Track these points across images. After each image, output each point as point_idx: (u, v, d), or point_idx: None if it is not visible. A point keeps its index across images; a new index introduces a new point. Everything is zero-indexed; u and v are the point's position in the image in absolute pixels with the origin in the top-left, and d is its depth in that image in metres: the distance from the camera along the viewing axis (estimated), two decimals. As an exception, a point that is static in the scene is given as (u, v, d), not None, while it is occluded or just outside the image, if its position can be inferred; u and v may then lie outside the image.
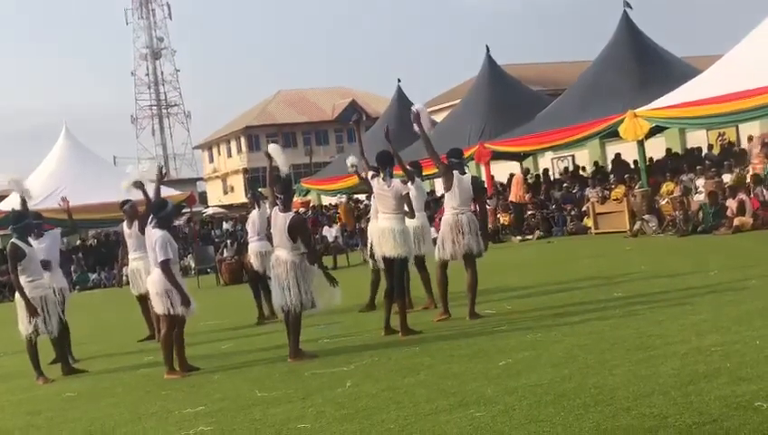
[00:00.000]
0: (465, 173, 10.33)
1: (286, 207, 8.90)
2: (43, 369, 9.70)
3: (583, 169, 29.05)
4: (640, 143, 21.21)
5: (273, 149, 9.81)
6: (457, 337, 8.97)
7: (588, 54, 29.90)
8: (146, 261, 11.42)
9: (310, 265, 8.79)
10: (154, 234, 8.86)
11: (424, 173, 12.63)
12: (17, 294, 9.66)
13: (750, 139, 22.82)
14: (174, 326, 8.87)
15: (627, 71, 22.88)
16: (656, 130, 22.66)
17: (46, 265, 10.55)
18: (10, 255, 9.65)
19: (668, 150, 26.18)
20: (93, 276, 29.48)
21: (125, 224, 12.38)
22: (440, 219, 10.69)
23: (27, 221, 9.96)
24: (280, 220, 8.77)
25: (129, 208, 12.28)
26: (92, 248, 33.05)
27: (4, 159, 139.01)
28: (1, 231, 31.94)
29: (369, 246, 11.22)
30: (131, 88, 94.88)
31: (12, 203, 29.59)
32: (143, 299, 12.06)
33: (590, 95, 23.28)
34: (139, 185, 11.34)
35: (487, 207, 17.52)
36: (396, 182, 9.73)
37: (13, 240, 9.72)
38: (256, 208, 12.95)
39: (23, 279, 9.56)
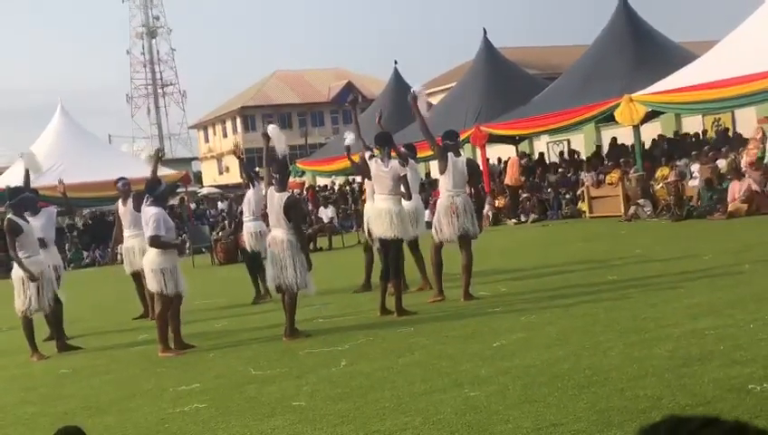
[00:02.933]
0: (459, 155, 10.33)
1: (282, 186, 8.91)
2: (37, 345, 9.71)
3: (577, 154, 29.04)
4: (636, 128, 21.20)
5: (272, 129, 9.81)
6: (452, 318, 9.00)
7: (585, 39, 29.89)
8: (140, 239, 11.42)
9: (304, 249, 8.82)
10: (149, 211, 8.88)
11: (418, 155, 12.58)
12: (13, 271, 9.67)
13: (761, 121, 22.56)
14: (169, 305, 8.88)
15: (623, 55, 22.82)
16: (651, 115, 22.64)
17: (42, 242, 10.54)
18: (7, 230, 9.64)
19: (661, 136, 26.15)
20: (88, 254, 29.42)
21: (120, 202, 12.37)
22: (435, 202, 10.70)
23: (22, 196, 9.94)
24: (276, 200, 8.78)
25: (124, 186, 12.27)
26: (87, 227, 32.98)
27: (2, 136, 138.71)
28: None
29: (366, 226, 11.23)
30: (127, 67, 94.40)
31: (7, 180, 29.59)
32: (137, 277, 12.06)
33: (586, 79, 23.23)
34: (151, 158, 11.40)
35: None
36: (394, 163, 9.72)
37: (9, 216, 9.72)
38: (251, 188, 12.92)
39: (19, 255, 9.56)
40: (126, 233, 12.18)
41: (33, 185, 11.33)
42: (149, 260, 8.92)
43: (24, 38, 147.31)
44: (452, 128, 11.58)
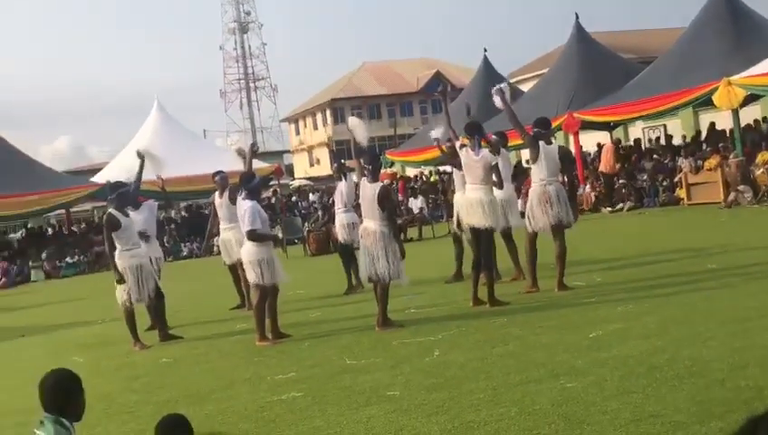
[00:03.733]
0: (551, 143, 10.21)
1: (374, 177, 8.96)
2: (139, 335, 10.01)
3: (670, 138, 28.34)
4: (735, 112, 20.57)
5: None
6: (546, 308, 8.91)
7: (681, 21, 29.10)
8: (236, 231, 11.65)
9: (396, 239, 8.86)
10: (244, 204, 9.06)
11: (509, 144, 12.46)
12: (117, 263, 9.97)
13: None
14: (266, 295, 9.04)
15: (721, 37, 22.14)
16: (751, 99, 21.92)
17: (144, 235, 10.88)
18: (105, 224, 9.98)
19: (756, 121, 25.28)
20: (185, 246, 30.16)
21: (216, 194, 12.62)
22: (527, 191, 10.59)
23: (122, 191, 10.23)
24: (368, 191, 8.84)
25: (221, 179, 12.50)
26: (184, 219, 33.82)
27: (98, 131, 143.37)
28: (98, 202, 32.99)
29: (455, 217, 11.19)
30: (220, 62, 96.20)
31: (106, 175, 30.54)
32: (234, 268, 12.30)
33: (682, 63, 22.65)
34: (242, 153, 11.60)
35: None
36: (484, 152, 9.67)
37: (110, 210, 10.04)
38: (343, 180, 13.03)
39: (119, 248, 9.87)
40: (222, 225, 12.43)
41: (130, 180, 11.65)
42: (247, 252, 9.10)
43: (123, 36, 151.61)
44: (544, 115, 11.45)
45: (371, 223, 8.84)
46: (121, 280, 9.80)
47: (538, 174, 10.08)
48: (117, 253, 9.88)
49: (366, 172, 9.00)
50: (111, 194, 10.22)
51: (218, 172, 12.68)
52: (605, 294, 9.37)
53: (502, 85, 10.49)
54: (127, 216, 10.10)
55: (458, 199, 10.86)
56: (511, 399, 5.48)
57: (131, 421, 6.46)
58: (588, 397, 5.27)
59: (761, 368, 5.35)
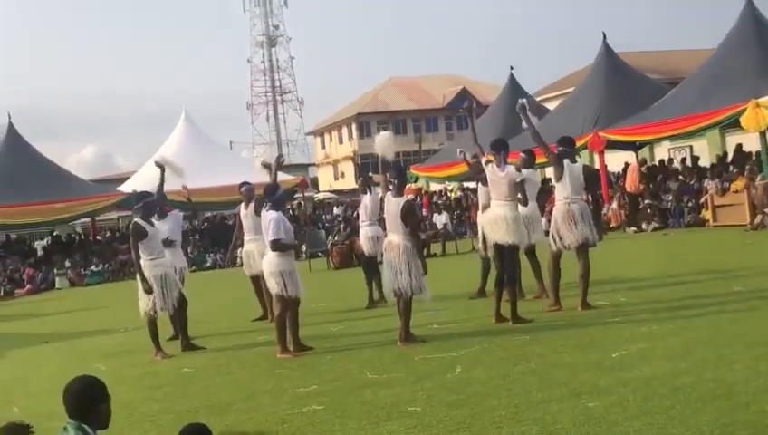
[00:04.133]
0: (575, 162, 10.20)
1: (399, 191, 8.99)
2: (161, 345, 10.06)
3: (697, 159, 28.17)
4: (762, 134, 20.42)
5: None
6: (569, 327, 8.87)
7: (709, 43, 28.95)
8: (260, 243, 11.69)
9: (419, 254, 8.86)
10: (268, 215, 9.10)
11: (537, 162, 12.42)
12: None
13: None
14: (288, 307, 9.07)
15: (749, 59, 22.02)
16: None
17: (170, 244, 10.96)
18: (131, 233, 10.06)
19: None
20: (210, 257, 30.30)
21: (242, 205, 12.68)
22: (551, 209, 10.57)
23: (148, 201, 10.30)
24: (393, 205, 8.86)
25: (247, 191, 12.56)
26: (207, 230, 34.01)
27: (126, 141, 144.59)
28: (124, 211, 33.24)
29: (480, 233, 11.17)
30: (247, 75, 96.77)
31: (132, 185, 30.80)
32: (256, 280, 12.34)
33: (710, 84, 22.54)
34: (266, 166, 11.66)
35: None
36: (510, 169, 9.66)
37: (136, 219, 10.11)
38: (368, 194, 13.06)
39: (144, 257, 9.93)
40: (246, 237, 12.48)
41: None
42: (269, 263, 9.13)
43: (152, 47, 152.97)
44: (569, 134, 11.42)
45: (395, 237, 8.86)
46: (150, 289, 9.86)
47: (562, 192, 10.07)
48: (142, 262, 9.95)
49: (391, 186, 9.02)
50: (137, 203, 10.30)
51: (244, 183, 12.74)
52: (628, 314, 9.32)
53: (524, 100, 10.47)
54: (152, 225, 10.17)
55: (483, 215, 10.87)
56: (532, 417, 5.46)
57: (153, 430, 6.50)
58: (610, 417, 5.24)
59: (786, 392, 5.30)
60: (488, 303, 10.78)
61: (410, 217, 8.82)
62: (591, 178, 10.41)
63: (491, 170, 9.78)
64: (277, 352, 9.03)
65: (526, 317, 9.48)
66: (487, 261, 11.75)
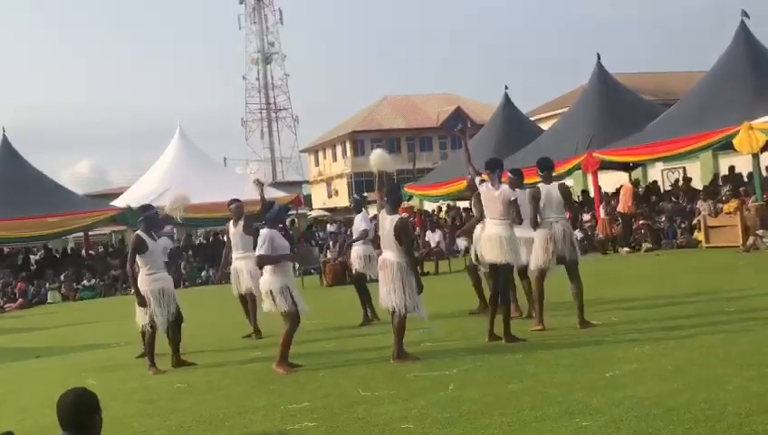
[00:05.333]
0: (551, 182, 10.29)
1: (393, 209, 9.00)
2: (155, 360, 10.01)
3: (689, 180, 28.29)
4: (755, 156, 20.53)
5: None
6: (562, 346, 8.88)
7: (703, 65, 29.16)
8: (248, 261, 11.71)
9: (413, 272, 8.86)
10: (261, 233, 9.12)
11: (526, 182, 12.51)
12: (139, 287, 10.00)
13: None
14: (298, 322, 9.04)
15: (742, 82, 22.17)
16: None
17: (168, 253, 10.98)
18: (132, 245, 10.02)
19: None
20: (203, 273, 30.23)
21: (231, 223, 12.65)
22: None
23: (149, 214, 10.28)
24: (387, 223, 8.87)
25: (236, 208, 12.52)
26: (202, 246, 33.96)
27: (120, 156, 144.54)
28: (117, 226, 33.19)
29: (473, 250, 11.22)
30: (242, 91, 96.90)
31: (126, 200, 30.76)
32: (243, 298, 12.32)
33: (703, 106, 22.67)
34: (258, 183, 11.65)
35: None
36: (504, 187, 9.72)
37: (138, 232, 10.10)
38: (361, 212, 13.14)
39: (143, 271, 9.92)
40: (235, 254, 12.43)
41: (154, 204, 11.70)
42: (263, 281, 9.10)
43: (147, 63, 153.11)
44: (563, 154, 11.54)
45: (390, 254, 8.86)
46: (143, 302, 9.84)
47: (545, 213, 10.16)
48: (140, 275, 9.93)
49: (385, 204, 9.03)
50: (143, 213, 10.30)
51: (234, 201, 12.70)
52: (622, 333, 9.33)
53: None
54: (154, 239, 10.15)
55: (477, 234, 10.97)
56: (525, 436, 5.46)
57: (144, 445, 6.47)
58: (603, 436, 5.24)
59: (779, 413, 5.31)
60: (481, 321, 10.80)
61: (404, 234, 8.82)
62: (568, 196, 10.50)
63: (485, 190, 9.83)
64: (274, 362, 8.97)
65: (519, 336, 9.49)
66: (475, 275, 11.84)
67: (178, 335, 10.26)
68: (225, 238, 13.34)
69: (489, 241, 9.69)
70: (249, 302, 12.33)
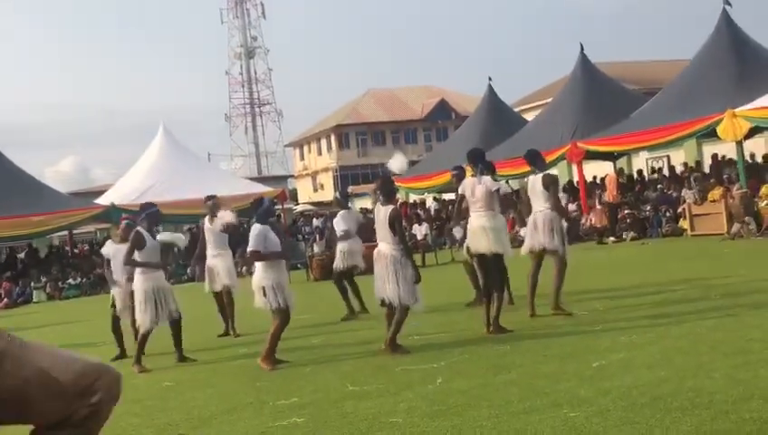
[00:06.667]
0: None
1: (388, 200, 9.02)
2: (142, 359, 9.95)
3: (674, 168, 28.38)
4: (739, 144, 20.63)
5: (394, 162, 10.22)
6: (549, 337, 8.89)
7: (686, 53, 29.26)
8: (223, 258, 11.63)
9: (410, 262, 8.86)
10: (253, 229, 9.07)
11: (514, 172, 12.57)
12: (134, 284, 9.96)
13: None
14: (287, 319, 9.01)
15: (726, 69, 22.26)
16: (755, 131, 21.99)
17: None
18: (132, 241, 9.94)
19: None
20: (189, 270, 30.12)
21: (207, 218, 12.47)
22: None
23: (149, 211, 10.21)
24: (381, 213, 8.90)
25: (213, 205, 12.35)
26: (189, 242, 33.83)
27: (104, 153, 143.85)
28: (101, 224, 33.04)
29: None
30: (226, 86, 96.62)
31: (110, 197, 30.62)
32: (219, 296, 12.21)
33: (687, 94, 22.75)
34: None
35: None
36: (486, 179, 9.75)
37: (138, 228, 10.04)
38: (346, 210, 13.15)
39: (138, 270, 9.85)
40: (209, 252, 12.27)
41: (135, 202, 11.64)
42: (255, 277, 9.07)
43: (130, 59, 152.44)
44: (548, 145, 11.61)
45: (384, 246, 8.88)
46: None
47: (533, 205, 10.28)
48: (137, 273, 9.87)
49: (379, 195, 9.07)
50: (146, 210, 10.24)
51: (210, 197, 12.51)
52: (608, 323, 9.35)
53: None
54: (154, 238, 10.08)
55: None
56: (513, 427, 5.46)
57: (132, 444, 6.44)
58: (591, 427, 5.25)
59: (765, 400, 5.33)
60: (469, 314, 10.82)
61: (397, 223, 8.84)
62: (553, 185, 10.50)
63: (469, 182, 9.88)
64: (260, 357, 8.95)
65: (507, 327, 9.50)
66: (469, 265, 11.88)
67: (178, 332, 10.15)
68: (200, 235, 13.04)
69: (475, 233, 9.72)
70: (226, 299, 12.21)
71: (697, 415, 5.21)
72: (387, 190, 9.12)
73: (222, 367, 9.55)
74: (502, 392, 6.49)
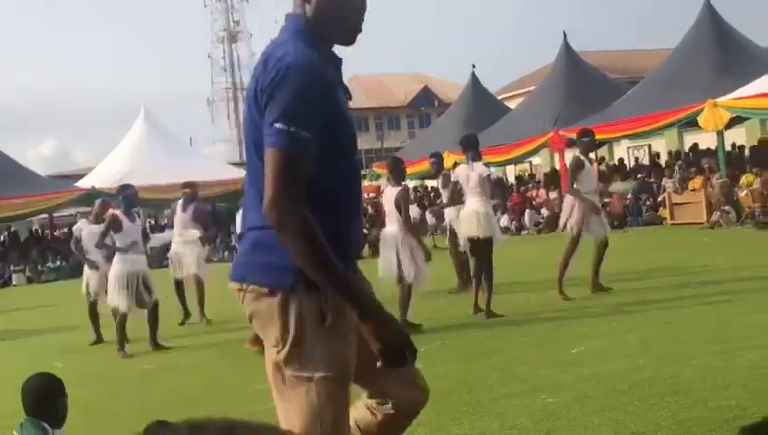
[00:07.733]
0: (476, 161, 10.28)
1: (398, 181, 9.20)
2: (124, 344, 9.90)
3: (658, 156, 28.52)
4: (720, 133, 20.74)
5: None
6: (529, 323, 8.94)
7: (668, 42, 29.32)
8: (193, 245, 11.60)
9: (417, 241, 8.99)
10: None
11: (499, 159, 12.59)
12: (111, 269, 9.87)
13: None
14: None
15: (708, 59, 22.37)
16: (736, 120, 22.13)
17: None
18: (108, 222, 9.87)
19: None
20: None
21: (179, 204, 12.25)
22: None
23: (126, 193, 10.14)
24: (390, 195, 8.99)
25: (190, 193, 12.23)
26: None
27: (85, 136, 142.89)
28: (82, 208, 32.86)
29: (448, 230, 11.39)
30: (208, 71, 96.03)
31: (91, 181, 30.43)
32: (180, 283, 12.13)
33: (669, 83, 22.85)
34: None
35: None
36: (477, 164, 9.83)
37: (115, 211, 9.97)
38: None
39: (117, 252, 9.77)
40: (177, 238, 12.18)
41: (115, 186, 11.56)
42: None
43: (111, 41, 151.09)
44: (530, 132, 11.62)
45: (392, 227, 9.07)
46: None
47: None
48: (116, 256, 9.81)
49: (389, 177, 9.31)
50: (123, 192, 10.17)
51: (188, 184, 12.41)
52: (588, 310, 9.41)
53: None
54: (132, 221, 10.00)
55: (450, 212, 11.21)
56: (493, 413, 5.49)
57: (112, 428, 6.43)
58: (569, 413, 5.28)
59: (743, 388, 5.38)
60: (449, 300, 10.86)
61: (403, 204, 9.00)
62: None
63: (461, 167, 10.03)
64: (247, 341, 8.90)
65: (498, 312, 9.53)
66: (456, 255, 11.92)
67: (154, 319, 10.06)
68: (169, 220, 12.87)
69: (469, 216, 9.78)
70: (196, 287, 12.06)
71: (675, 402, 5.25)
72: (397, 171, 9.32)
73: (202, 352, 9.55)
74: (482, 378, 6.53)
